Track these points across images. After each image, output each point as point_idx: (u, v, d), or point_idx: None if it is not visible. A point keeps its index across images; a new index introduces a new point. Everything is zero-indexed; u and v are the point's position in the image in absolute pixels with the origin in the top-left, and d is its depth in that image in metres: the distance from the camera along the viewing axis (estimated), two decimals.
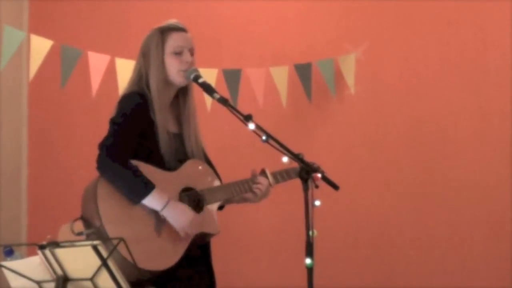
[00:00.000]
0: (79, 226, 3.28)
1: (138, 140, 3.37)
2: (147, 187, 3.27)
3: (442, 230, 4.88)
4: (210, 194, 3.47)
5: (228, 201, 3.59)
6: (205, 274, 3.50)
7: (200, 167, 3.51)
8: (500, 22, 4.82)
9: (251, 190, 3.56)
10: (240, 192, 3.55)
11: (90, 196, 3.28)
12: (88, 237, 3.23)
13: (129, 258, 2.99)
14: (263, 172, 3.62)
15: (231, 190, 3.53)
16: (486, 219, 4.80)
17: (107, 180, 3.29)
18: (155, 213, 3.31)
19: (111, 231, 3.20)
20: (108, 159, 3.29)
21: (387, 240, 4.98)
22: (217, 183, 3.54)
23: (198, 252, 3.46)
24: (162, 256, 3.29)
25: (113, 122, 3.38)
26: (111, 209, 3.25)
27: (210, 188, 3.49)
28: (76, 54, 4.85)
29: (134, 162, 3.33)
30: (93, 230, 3.23)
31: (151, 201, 3.28)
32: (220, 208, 3.61)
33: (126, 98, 3.43)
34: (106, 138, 3.35)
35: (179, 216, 3.31)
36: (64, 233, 3.31)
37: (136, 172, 3.29)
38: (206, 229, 3.43)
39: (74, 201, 3.52)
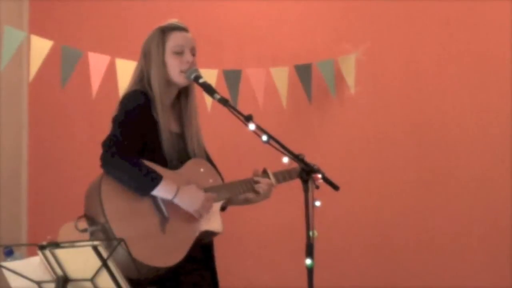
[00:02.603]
0: (83, 224, 3.28)
1: (140, 139, 3.37)
2: (156, 177, 3.28)
3: (442, 230, 4.88)
4: (213, 192, 3.47)
5: (230, 201, 3.60)
6: (208, 274, 3.50)
7: (202, 167, 3.51)
8: (500, 22, 4.82)
9: (254, 190, 3.57)
10: (243, 191, 3.55)
11: (94, 194, 3.28)
12: (93, 235, 3.23)
13: (132, 256, 2.99)
14: (264, 172, 3.62)
15: (233, 189, 3.53)
16: (487, 219, 4.80)
17: (113, 177, 3.28)
18: (159, 210, 3.32)
19: (116, 228, 3.20)
20: (112, 156, 3.29)
21: (387, 240, 4.98)
22: (219, 182, 3.54)
23: (201, 252, 3.46)
24: (167, 253, 3.29)
25: (115, 120, 3.38)
26: (116, 207, 3.25)
27: (213, 187, 3.49)
28: (76, 54, 4.85)
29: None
30: (98, 228, 3.23)
31: (161, 190, 3.28)
32: (223, 209, 3.61)
33: (129, 97, 3.43)
34: (109, 136, 3.35)
35: (192, 199, 3.32)
36: (64, 233, 3.31)
37: (142, 165, 3.29)
38: (210, 227, 3.43)
39: (74, 201, 3.53)
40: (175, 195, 3.30)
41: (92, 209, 3.28)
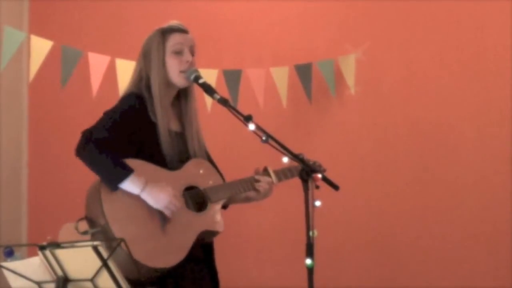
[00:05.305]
0: (83, 225, 3.28)
1: (127, 140, 3.36)
2: (125, 171, 3.26)
3: (442, 230, 4.88)
4: (214, 192, 3.47)
5: (231, 200, 3.60)
6: (208, 274, 3.50)
7: (202, 167, 3.52)
8: (500, 22, 4.82)
9: (254, 188, 3.57)
10: (243, 190, 3.56)
11: (94, 195, 3.29)
12: (93, 236, 3.23)
13: (133, 257, 3.00)
14: (265, 170, 3.63)
15: (234, 188, 3.54)
16: (486, 219, 4.79)
17: (85, 165, 3.29)
18: (159, 211, 3.31)
19: (117, 230, 3.21)
20: (87, 144, 3.30)
21: (387, 240, 4.98)
22: (220, 182, 3.55)
23: (201, 252, 3.46)
24: (168, 253, 3.29)
25: (104, 113, 3.41)
26: (116, 208, 3.26)
27: (213, 187, 3.49)
28: (76, 54, 4.85)
29: (137, 161, 3.33)
30: (98, 229, 3.23)
31: (130, 185, 3.27)
32: (224, 207, 3.61)
33: (123, 98, 3.46)
34: (91, 126, 3.37)
35: (158, 195, 3.28)
36: (64, 233, 3.31)
37: (114, 157, 3.28)
38: (211, 227, 3.43)
39: (74, 202, 3.53)
40: (142, 190, 3.28)
41: (93, 211, 3.29)
